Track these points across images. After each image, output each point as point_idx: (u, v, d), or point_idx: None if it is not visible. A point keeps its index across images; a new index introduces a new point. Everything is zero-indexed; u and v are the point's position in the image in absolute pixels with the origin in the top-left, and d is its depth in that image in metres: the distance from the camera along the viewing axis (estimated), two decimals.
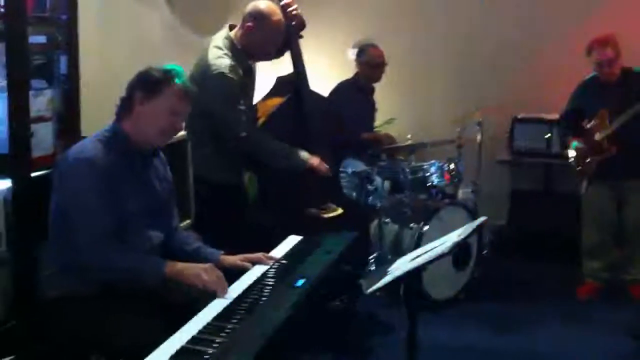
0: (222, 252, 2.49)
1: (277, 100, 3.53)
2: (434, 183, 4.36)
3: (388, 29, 5.45)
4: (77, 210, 2.18)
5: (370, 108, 4.96)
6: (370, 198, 4.28)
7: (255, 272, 2.36)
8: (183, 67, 4.26)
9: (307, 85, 3.57)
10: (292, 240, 2.73)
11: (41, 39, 2.97)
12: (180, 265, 2.25)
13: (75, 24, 3.14)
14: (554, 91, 4.84)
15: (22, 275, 2.52)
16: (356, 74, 4.90)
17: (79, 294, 2.21)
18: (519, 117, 5.17)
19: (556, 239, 4.94)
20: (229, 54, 3.19)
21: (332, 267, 2.43)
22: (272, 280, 2.26)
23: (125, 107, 2.32)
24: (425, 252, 2.32)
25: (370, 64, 4.82)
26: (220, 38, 3.28)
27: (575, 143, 4.29)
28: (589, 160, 4.20)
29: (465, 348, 3.61)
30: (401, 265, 2.33)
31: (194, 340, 1.77)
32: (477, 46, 5.41)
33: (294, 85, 3.54)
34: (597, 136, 4.11)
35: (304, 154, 3.35)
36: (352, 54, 5.26)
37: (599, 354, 3.59)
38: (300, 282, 2.17)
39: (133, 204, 2.29)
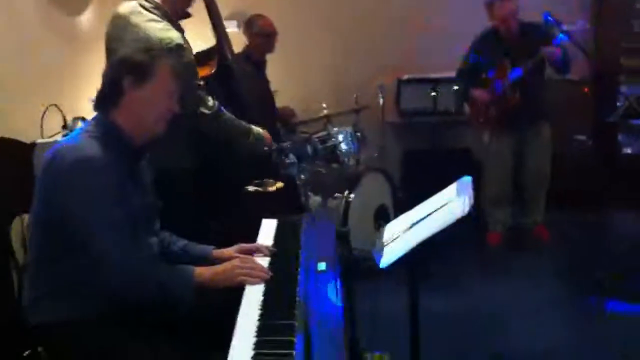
0: (213, 247, 2.28)
1: (203, 72, 3.27)
2: (344, 150, 4.37)
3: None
4: (96, 219, 1.87)
5: (266, 82, 4.82)
6: (288, 171, 4.18)
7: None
8: (52, 48, 3.98)
9: (232, 52, 3.36)
10: (270, 224, 2.58)
11: None
12: (206, 271, 2.01)
13: None
14: (439, 52, 4.99)
15: None
16: (246, 47, 4.72)
17: (75, 319, 1.92)
18: (404, 78, 5.27)
19: None
20: (167, 22, 2.90)
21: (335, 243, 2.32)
22: (288, 270, 2.10)
23: (111, 97, 2.00)
24: (421, 218, 2.31)
25: (262, 34, 4.66)
26: (141, 7, 2.94)
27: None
28: (491, 110, 4.41)
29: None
30: (401, 234, 2.30)
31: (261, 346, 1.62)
32: (359, 12, 5.40)
33: (218, 53, 3.31)
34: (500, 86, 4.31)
35: (259, 130, 3.17)
36: (234, 26, 5.06)
37: (533, 301, 3.76)
38: (323, 265, 2.06)
39: (136, 208, 2.01)
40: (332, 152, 4.37)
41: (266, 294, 1.93)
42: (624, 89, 5.00)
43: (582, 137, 5.20)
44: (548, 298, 3.78)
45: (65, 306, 1.94)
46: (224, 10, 5.33)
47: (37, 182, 1.96)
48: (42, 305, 1.96)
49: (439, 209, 2.30)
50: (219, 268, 2.03)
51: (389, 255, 2.22)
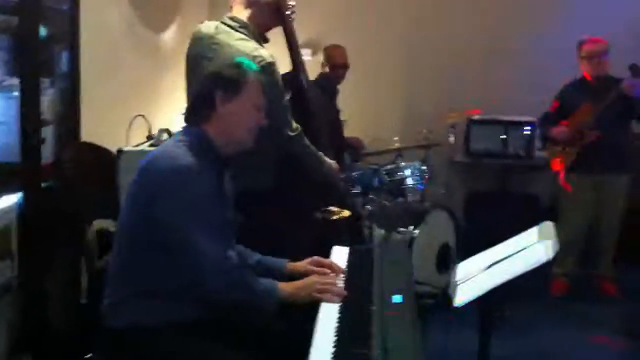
0: (287, 260, 2.31)
1: None
2: (410, 185, 4.36)
3: (342, 28, 5.35)
4: (192, 224, 1.92)
5: (336, 110, 4.85)
6: (354, 202, 4.19)
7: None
8: (139, 62, 4.10)
9: (307, 78, 3.39)
10: (342, 252, 2.57)
11: (41, 31, 2.64)
12: (289, 286, 2.06)
13: (78, 15, 2.83)
14: (514, 95, 4.96)
15: (34, 304, 2.22)
16: (320, 75, 4.77)
17: (160, 323, 1.95)
18: (475, 118, 5.23)
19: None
20: (255, 41, 2.95)
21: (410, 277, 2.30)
22: (362, 298, 2.08)
23: (202, 110, 2.07)
24: (498, 260, 2.27)
25: (338, 65, 4.71)
26: (226, 26, 3.00)
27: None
28: (568, 149, 4.33)
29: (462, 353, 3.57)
30: (478, 274, 2.27)
31: None
32: (436, 46, 5.40)
33: (294, 78, 3.34)
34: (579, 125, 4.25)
35: (328, 160, 3.18)
36: (308, 54, 5.14)
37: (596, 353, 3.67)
38: (398, 297, 2.03)
39: (223, 219, 2.06)
40: (399, 186, 4.36)
41: (341, 320, 1.92)
42: None
43: None
44: (615, 353, 3.67)
45: (153, 309, 1.96)
46: (299, 38, 5.48)
47: (131, 187, 2.02)
48: (126, 308, 1.99)
49: (518, 252, 2.26)
50: (298, 283, 2.08)
51: (465, 294, 2.18)
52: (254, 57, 2.79)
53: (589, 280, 4.57)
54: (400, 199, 4.38)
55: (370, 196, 4.23)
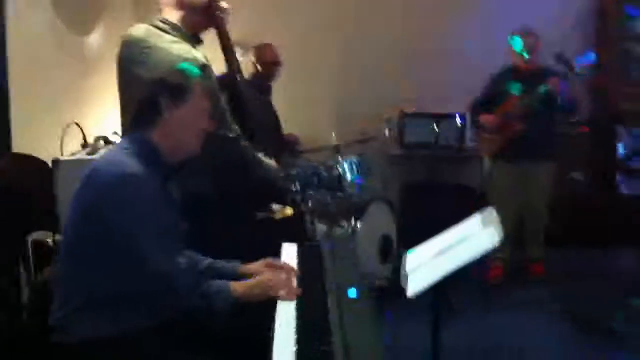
0: (239, 262, 2.30)
1: None
2: (349, 180, 4.40)
3: (273, 27, 5.33)
4: (141, 232, 1.89)
5: (272, 109, 4.85)
6: (294, 199, 4.19)
7: None
8: (66, 68, 3.98)
9: (243, 79, 3.37)
10: (291, 249, 2.57)
11: None
12: (242, 285, 2.06)
13: (3, 22, 2.72)
14: (444, 88, 5.08)
15: None
16: (252, 75, 4.76)
17: (113, 333, 1.91)
18: (408, 112, 5.33)
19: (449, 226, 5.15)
20: (187, 43, 2.91)
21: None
22: (317, 294, 2.10)
23: (148, 117, 2.03)
24: (448, 247, 2.32)
25: (269, 62, 4.71)
26: (157, 29, 2.94)
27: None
28: (495, 138, 4.47)
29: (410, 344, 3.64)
30: (426, 263, 2.31)
31: None
32: (364, 47, 5.44)
33: (230, 80, 3.32)
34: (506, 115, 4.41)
35: (268, 160, 3.17)
36: (238, 54, 5.08)
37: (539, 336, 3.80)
38: (353, 292, 2.06)
39: (172, 226, 2.03)
40: (337, 181, 4.39)
41: (299, 317, 1.93)
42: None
43: (579, 177, 5.27)
44: (550, 335, 3.81)
45: (105, 320, 1.92)
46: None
47: (75, 198, 1.96)
48: (78, 321, 1.93)
49: (464, 240, 2.31)
50: (252, 282, 2.09)
51: (416, 284, 2.21)
52: (187, 59, 2.75)
53: (521, 265, 4.72)
54: (339, 194, 4.41)
55: (310, 192, 4.24)
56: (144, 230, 1.90)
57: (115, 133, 3.75)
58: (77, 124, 3.17)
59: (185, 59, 2.79)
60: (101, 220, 1.88)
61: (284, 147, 4.55)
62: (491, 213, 2.43)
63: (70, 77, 3.98)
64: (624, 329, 3.71)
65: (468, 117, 5.03)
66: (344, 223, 4.11)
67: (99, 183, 1.92)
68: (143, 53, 2.89)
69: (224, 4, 3.20)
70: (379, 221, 4.29)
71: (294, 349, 1.74)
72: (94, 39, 4.62)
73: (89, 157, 2.62)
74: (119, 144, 2.09)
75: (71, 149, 3.17)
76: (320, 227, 4.19)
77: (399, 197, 5.42)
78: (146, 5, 5.10)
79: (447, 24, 5.37)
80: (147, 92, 2.07)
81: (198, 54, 2.88)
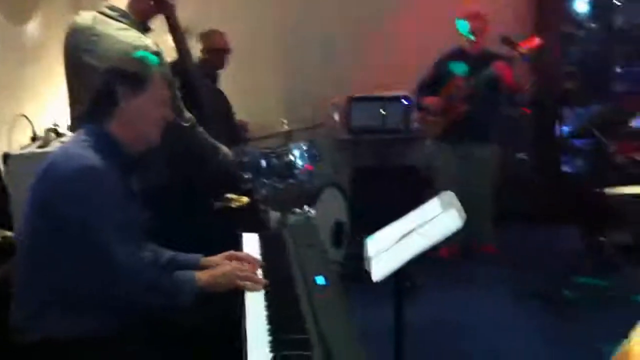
0: (201, 255, 2.25)
1: None
2: (299, 166, 4.39)
3: (219, 14, 5.25)
4: (102, 226, 1.83)
5: (223, 96, 4.78)
6: (247, 187, 4.15)
7: None
8: (5, 58, 3.82)
9: (194, 66, 3.31)
10: (252, 239, 2.55)
11: None
12: (206, 274, 2.02)
13: None
14: (390, 71, 5.10)
15: None
16: (200, 61, 4.67)
17: (67, 336, 1.85)
18: (354, 96, 5.34)
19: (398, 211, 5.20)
20: (136, 30, 2.84)
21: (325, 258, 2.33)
22: (285, 283, 2.08)
23: (105, 108, 1.96)
24: (410, 231, 2.34)
25: (217, 49, 4.63)
26: (105, 15, 2.86)
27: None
28: (439, 120, 4.53)
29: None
30: (388, 246, 2.32)
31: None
32: (308, 31, 5.41)
33: (181, 66, 3.26)
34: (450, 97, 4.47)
35: (224, 147, 3.13)
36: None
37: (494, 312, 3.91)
38: (321, 279, 2.05)
39: (133, 219, 1.97)
40: (288, 168, 4.38)
41: (269, 307, 1.91)
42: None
43: (524, 156, 5.41)
44: (500, 309, 3.93)
45: (67, 319, 1.87)
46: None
47: (32, 193, 1.89)
48: (39, 321, 1.87)
49: (426, 223, 2.33)
50: (217, 271, 2.05)
51: (381, 268, 2.22)
52: (138, 47, 2.69)
53: (471, 244, 4.81)
54: (290, 181, 4.40)
55: (264, 180, 4.22)
56: (104, 224, 1.85)
57: (56, 125, 3.64)
58: (24, 116, 3.05)
59: (137, 47, 2.73)
60: (59, 215, 1.82)
61: (236, 134, 4.50)
62: (450, 196, 2.46)
63: (10, 68, 3.82)
64: (573, 300, 3.88)
65: (414, 99, 5.07)
66: (297, 210, 4.10)
67: (56, 177, 1.86)
68: (91, 41, 2.82)
69: None
70: (331, 207, 4.31)
71: (269, 339, 1.72)
72: (33, 27, 4.45)
73: (41, 150, 2.53)
74: (75, 136, 2.01)
75: (19, 142, 3.04)
76: (274, 215, 4.17)
77: (348, 181, 5.45)
78: None
79: (395, 6, 5.39)
80: (103, 81, 1.99)
81: (148, 40, 2.83)
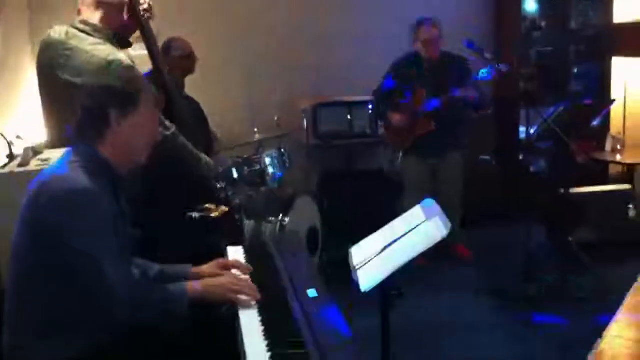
0: (190, 265, 2.26)
1: None
2: (271, 173, 4.40)
3: (180, 23, 5.20)
4: (95, 250, 1.82)
5: (196, 104, 4.74)
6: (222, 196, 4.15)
7: None
8: None
9: (167, 77, 3.31)
10: (237, 252, 2.56)
11: None
12: (199, 285, 2.02)
13: None
14: (356, 75, 5.16)
15: None
16: (168, 70, 4.62)
17: (67, 357, 1.84)
18: (321, 102, 5.37)
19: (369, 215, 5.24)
20: (110, 45, 2.83)
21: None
22: (277, 296, 2.10)
23: (96, 128, 1.95)
24: (395, 240, 2.37)
25: (182, 56, 4.59)
26: (78, 30, 2.85)
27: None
28: (405, 134, 4.58)
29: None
30: (373, 255, 2.35)
31: None
32: (271, 39, 5.43)
33: (157, 77, 3.25)
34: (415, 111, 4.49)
35: (204, 156, 3.14)
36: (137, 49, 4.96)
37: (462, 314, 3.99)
38: (313, 292, 2.08)
39: (124, 238, 1.96)
40: (259, 176, 4.38)
41: (264, 322, 1.93)
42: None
43: (487, 158, 5.52)
44: (476, 311, 4.02)
45: (61, 343, 1.86)
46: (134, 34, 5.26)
47: (23, 214, 1.87)
48: (32, 348, 1.86)
49: (411, 231, 2.37)
50: (211, 282, 2.07)
51: (368, 277, 2.25)
52: (111, 62, 2.70)
53: (444, 248, 4.87)
54: (263, 189, 4.41)
55: (233, 189, 4.22)
56: (97, 248, 1.83)
57: (19, 137, 3.55)
58: (2, 135, 2.99)
59: (110, 62, 2.72)
60: (51, 239, 1.81)
61: (212, 144, 4.47)
62: (432, 203, 2.50)
63: None
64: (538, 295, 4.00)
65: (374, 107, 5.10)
66: (272, 218, 4.11)
67: (47, 200, 1.84)
68: (64, 56, 2.81)
69: (143, 1, 3.14)
70: (305, 214, 4.33)
71: (268, 355, 1.74)
72: None
73: (22, 169, 2.49)
74: (65, 156, 1.98)
75: None
76: (249, 223, 4.18)
77: (317, 187, 5.47)
78: (42, 6, 4.88)
79: (361, 8, 5.46)
80: (94, 101, 1.97)
81: (121, 54, 2.83)
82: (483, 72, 4.22)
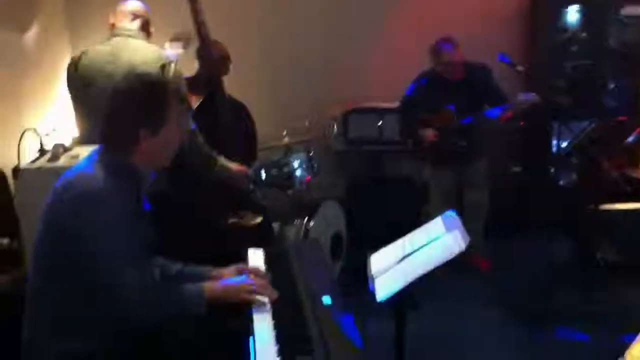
0: (210, 267, 2.29)
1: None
2: (298, 177, 4.43)
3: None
4: (114, 252, 1.86)
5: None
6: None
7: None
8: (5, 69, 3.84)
9: (221, 84, 3.41)
10: (257, 255, 2.58)
11: None
12: (216, 285, 2.06)
13: None
14: (387, 83, 5.15)
15: None
16: (198, 72, 4.67)
17: (84, 354, 1.89)
18: (351, 108, 5.38)
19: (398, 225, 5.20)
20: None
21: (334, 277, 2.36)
22: (292, 302, 2.12)
23: (124, 144, 1.99)
24: (414, 251, 2.38)
25: (220, 58, 4.62)
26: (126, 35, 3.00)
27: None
28: (437, 150, 4.57)
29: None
30: (391, 265, 2.36)
31: None
32: (304, 42, 5.45)
33: (208, 84, 3.34)
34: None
35: (225, 162, 3.19)
36: (174, 47, 5.02)
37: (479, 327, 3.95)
38: (327, 299, 2.09)
39: (144, 239, 2.01)
40: (287, 179, 4.41)
41: (277, 327, 1.94)
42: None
43: (517, 169, 5.47)
44: (494, 324, 3.98)
45: (75, 340, 1.90)
46: (169, 31, 5.35)
47: (46, 211, 1.92)
48: (47, 340, 1.90)
49: (430, 243, 2.37)
50: (229, 283, 2.09)
51: (384, 287, 2.26)
52: (160, 56, 2.81)
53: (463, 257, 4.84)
54: (290, 192, 4.44)
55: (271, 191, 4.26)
56: (116, 248, 1.86)
57: (54, 130, 3.64)
58: (34, 129, 3.09)
59: (159, 56, 2.84)
60: (73, 237, 1.85)
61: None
62: (453, 216, 2.50)
63: (10, 79, 3.83)
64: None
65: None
66: (297, 221, 4.14)
67: (71, 199, 1.87)
68: (109, 61, 2.92)
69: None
70: (330, 219, 4.35)
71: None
72: (30, 37, 4.46)
73: (51, 164, 2.57)
74: (90, 155, 2.02)
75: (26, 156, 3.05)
76: (273, 226, 4.21)
77: (345, 193, 5.49)
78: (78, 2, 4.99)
79: (387, 15, 5.47)
80: (122, 118, 1.98)
81: (167, 51, 2.94)
82: (522, 98, 4.20)
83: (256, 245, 2.63)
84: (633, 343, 2.15)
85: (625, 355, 2.05)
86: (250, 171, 4.03)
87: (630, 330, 2.27)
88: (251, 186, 4.09)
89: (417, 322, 3.72)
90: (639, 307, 2.58)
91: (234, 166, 3.26)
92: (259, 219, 3.34)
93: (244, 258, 2.55)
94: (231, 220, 3.28)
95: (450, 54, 4.37)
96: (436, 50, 4.43)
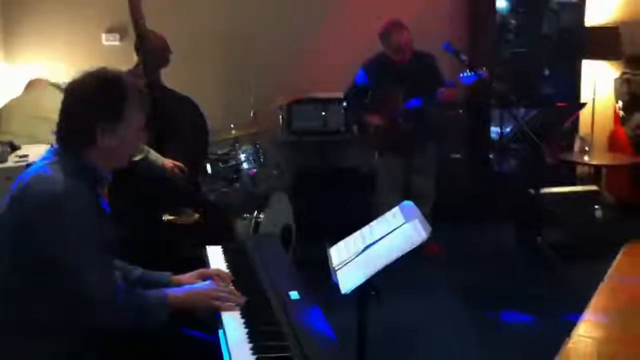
0: (170, 273, 2.24)
1: None
2: (245, 169, 4.39)
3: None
4: (77, 255, 1.80)
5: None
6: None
7: None
8: None
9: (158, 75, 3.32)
10: (216, 252, 2.54)
11: None
12: (179, 292, 2.01)
13: None
14: (331, 72, 5.16)
15: None
16: (138, 64, 4.55)
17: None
18: (295, 99, 5.37)
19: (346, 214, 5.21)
20: None
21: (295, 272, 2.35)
22: (259, 299, 2.10)
23: (81, 142, 1.92)
24: (374, 242, 2.38)
25: (157, 49, 4.51)
26: None
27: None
28: (383, 135, 4.60)
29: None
30: (352, 257, 2.35)
31: None
32: (247, 36, 5.40)
33: (147, 75, 3.26)
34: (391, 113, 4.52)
35: (155, 156, 3.13)
36: (110, 39, 4.93)
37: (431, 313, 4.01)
38: (294, 294, 2.08)
39: (107, 242, 1.95)
40: (234, 172, 4.37)
41: (248, 325, 1.92)
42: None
43: (457, 156, 5.58)
44: (443, 310, 4.05)
45: (40, 345, 1.84)
46: (105, 22, 5.20)
47: (4, 215, 1.85)
48: (12, 349, 1.84)
49: (390, 234, 2.38)
50: (193, 290, 2.04)
51: (348, 279, 2.25)
52: None
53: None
54: (237, 185, 4.40)
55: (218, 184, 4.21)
56: (78, 252, 1.81)
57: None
58: None
59: None
60: (32, 242, 1.79)
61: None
62: (411, 205, 2.51)
63: None
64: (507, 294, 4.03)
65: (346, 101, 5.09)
66: (246, 215, 4.10)
67: (31, 203, 1.81)
68: None
69: None
70: (280, 211, 4.33)
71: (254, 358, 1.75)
72: None
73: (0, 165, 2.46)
74: (46, 156, 1.94)
75: None
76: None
77: (292, 184, 5.46)
78: None
79: (330, 5, 5.49)
80: (80, 117, 1.91)
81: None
82: (465, 76, 4.26)
83: (196, 243, 2.59)
84: (579, 322, 2.24)
85: (572, 334, 2.12)
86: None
87: (575, 310, 2.35)
88: (200, 180, 4.05)
89: (376, 313, 3.80)
90: (583, 288, 2.66)
91: (166, 162, 3.19)
92: (196, 216, 3.24)
93: (200, 256, 2.51)
94: (167, 218, 3.18)
95: (400, 36, 4.43)
96: (386, 34, 4.48)
